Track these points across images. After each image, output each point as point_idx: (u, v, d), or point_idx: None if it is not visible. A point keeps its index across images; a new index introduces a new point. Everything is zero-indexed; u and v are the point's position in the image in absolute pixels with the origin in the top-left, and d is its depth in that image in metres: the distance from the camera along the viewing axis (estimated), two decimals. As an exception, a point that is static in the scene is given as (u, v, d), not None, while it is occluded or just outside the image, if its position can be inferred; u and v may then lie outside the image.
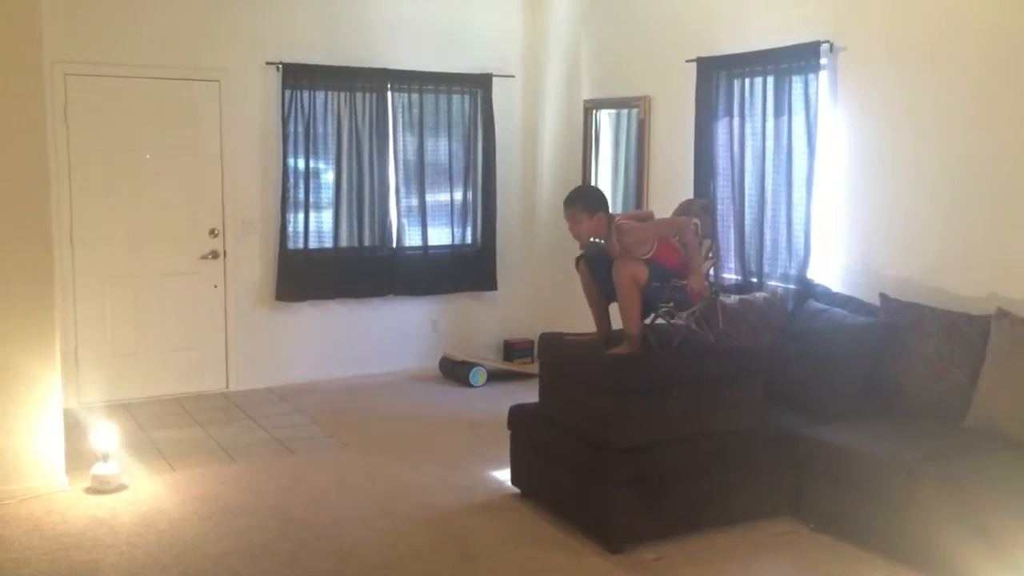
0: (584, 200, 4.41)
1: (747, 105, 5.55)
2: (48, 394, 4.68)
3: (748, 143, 5.57)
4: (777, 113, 5.35)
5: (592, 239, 4.41)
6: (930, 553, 3.78)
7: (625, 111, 6.86)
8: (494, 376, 7.04)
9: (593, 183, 7.10)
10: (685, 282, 4.27)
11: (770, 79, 5.37)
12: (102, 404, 6.20)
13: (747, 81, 5.55)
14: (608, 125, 7.09)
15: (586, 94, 7.10)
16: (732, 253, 5.74)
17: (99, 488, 4.71)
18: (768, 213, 5.48)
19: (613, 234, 4.32)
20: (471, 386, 6.90)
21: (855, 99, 5.06)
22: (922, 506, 3.78)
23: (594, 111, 7.08)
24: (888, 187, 4.91)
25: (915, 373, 4.40)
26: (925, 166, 4.73)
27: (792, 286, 5.29)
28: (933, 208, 4.70)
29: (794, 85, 5.24)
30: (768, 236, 5.49)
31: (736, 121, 5.62)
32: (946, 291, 4.59)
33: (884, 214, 4.94)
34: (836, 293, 5.04)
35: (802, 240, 5.26)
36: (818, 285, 5.14)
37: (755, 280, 5.55)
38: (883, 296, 4.72)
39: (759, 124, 5.47)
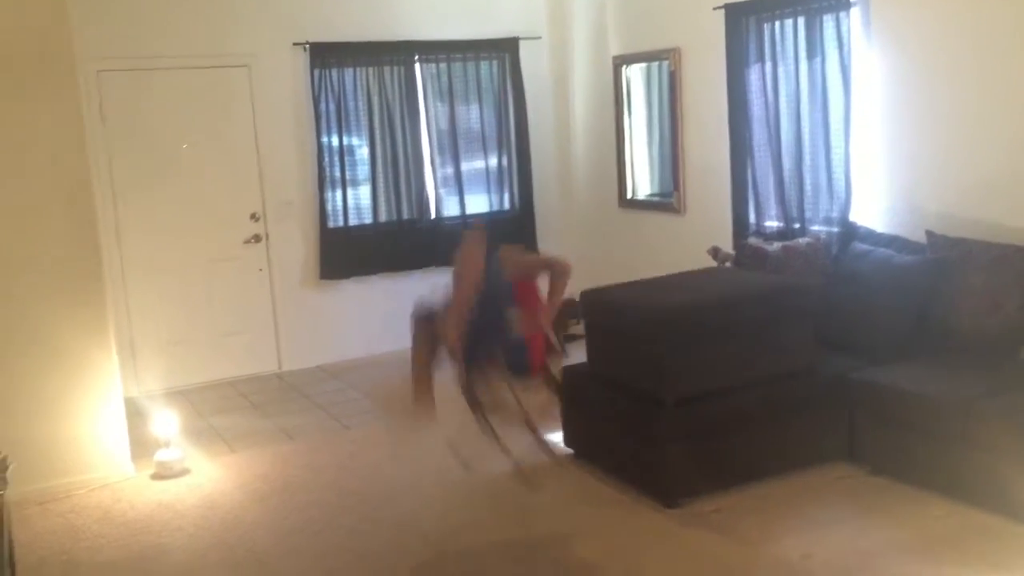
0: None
1: (779, 49, 5.46)
2: (108, 384, 4.80)
3: (782, 88, 5.48)
4: (810, 55, 5.25)
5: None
6: (989, 489, 3.74)
7: (655, 64, 6.78)
8: (541, 340, 7.05)
9: (627, 139, 7.06)
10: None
11: (801, 20, 5.26)
12: (161, 392, 6.35)
13: (777, 24, 5.44)
14: (639, 80, 7.01)
15: (614, 50, 7.02)
16: (772, 200, 5.67)
17: (163, 474, 4.84)
18: (807, 157, 5.40)
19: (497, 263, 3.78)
20: (519, 351, 6.92)
21: (889, 34, 4.94)
22: (980, 442, 3.74)
23: (624, 67, 7.00)
24: (928, 122, 4.81)
25: (966, 309, 4.33)
26: (964, 97, 4.62)
27: (835, 229, 5.23)
28: (975, 139, 4.59)
29: (826, 25, 5.13)
30: (808, 180, 5.41)
31: (768, 66, 5.53)
32: (993, 223, 4.49)
33: (925, 149, 4.84)
34: (880, 233, 4.96)
35: (843, 182, 5.18)
36: (861, 227, 5.06)
37: (797, 226, 5.49)
38: (929, 233, 4.64)
39: (792, 67, 5.38)
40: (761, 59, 5.58)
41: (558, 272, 3.86)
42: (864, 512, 3.93)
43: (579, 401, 4.69)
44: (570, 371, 4.79)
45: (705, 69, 6.17)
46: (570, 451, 4.77)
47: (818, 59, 5.20)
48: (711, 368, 4.15)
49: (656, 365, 4.11)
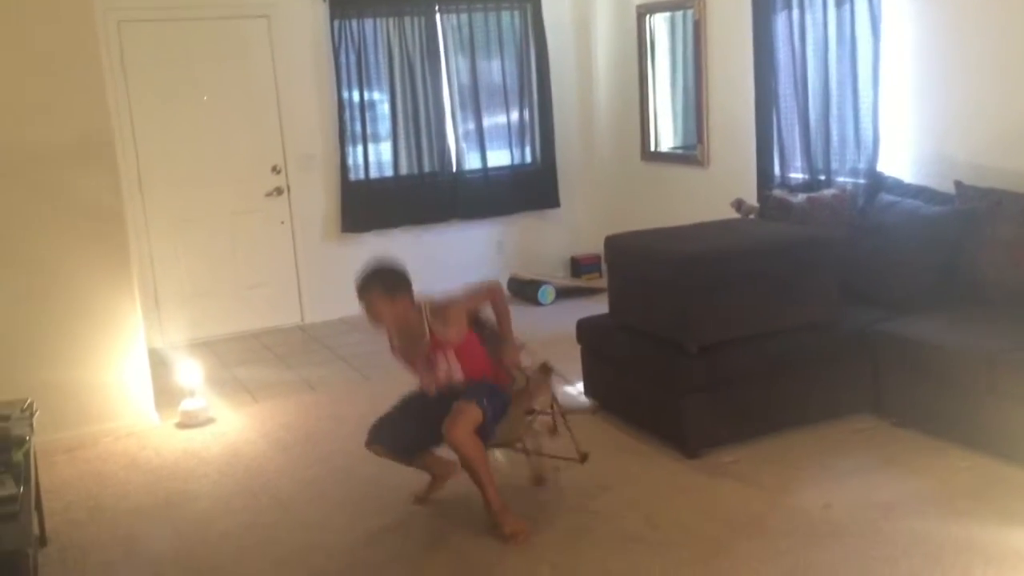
0: (382, 283, 3.54)
1: (806, -5, 5.34)
2: (133, 334, 4.84)
3: (809, 36, 5.37)
4: (839, 1, 5.13)
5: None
6: (1014, 442, 3.71)
7: (680, 13, 6.67)
8: (563, 293, 7.06)
9: (652, 95, 6.97)
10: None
11: (829, -34, 5.14)
12: (185, 343, 6.40)
13: (805, -30, 5.32)
14: (663, 30, 6.91)
15: (638, -1, 6.92)
16: (797, 151, 5.59)
17: (188, 423, 4.89)
18: (833, 107, 5.31)
19: (427, 316, 3.53)
20: (540, 305, 6.93)
21: (921, -21, 4.83)
22: (1005, 395, 3.70)
23: (648, 16, 6.89)
24: (959, 70, 4.70)
25: (994, 261, 4.27)
26: (995, 45, 4.51)
27: (862, 180, 5.15)
28: (1007, 88, 4.49)
29: (855, -31, 5.02)
30: (834, 131, 5.33)
31: (796, 13, 5.41)
32: (1025, 174, 4.41)
33: (956, 99, 4.74)
34: (908, 184, 4.88)
35: (870, 132, 5.09)
36: (889, 177, 4.99)
37: (823, 178, 5.41)
38: (958, 183, 4.56)
39: (820, 15, 5.26)
40: (788, 7, 5.46)
41: (495, 305, 3.67)
42: (887, 464, 3.91)
43: (598, 351, 4.68)
44: (589, 323, 4.79)
45: (730, 18, 6.06)
46: (591, 401, 4.78)
47: (847, 6, 5.09)
48: (735, 317, 4.12)
49: (680, 312, 4.08)
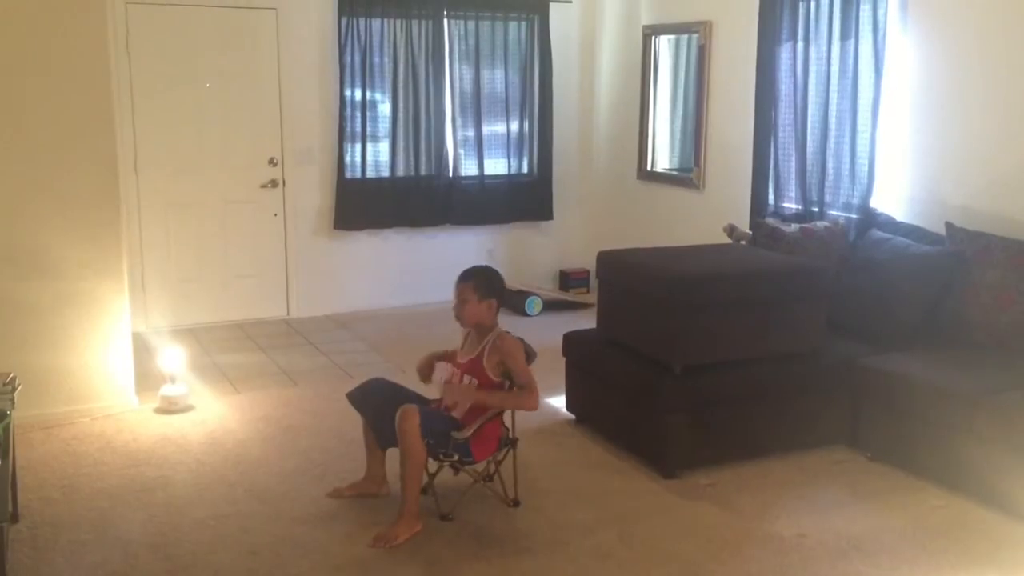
0: (479, 279, 3.78)
1: (812, 28, 5.40)
2: (118, 317, 4.82)
3: (812, 68, 5.43)
4: (844, 36, 5.20)
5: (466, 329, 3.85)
6: (988, 484, 3.75)
7: (685, 37, 6.72)
8: (550, 306, 7.07)
9: (652, 116, 7.01)
10: (466, 434, 3.63)
11: (837, 1, 5.20)
12: (168, 329, 6.38)
13: (813, 3, 5.38)
14: (667, 52, 6.96)
15: (645, 19, 6.97)
16: (792, 182, 5.65)
17: (168, 408, 4.87)
18: (831, 141, 5.36)
19: (492, 338, 3.74)
20: (527, 315, 6.94)
21: (925, 22, 4.89)
22: (983, 437, 3.74)
23: (653, 37, 6.94)
24: (957, 114, 4.76)
25: (980, 303, 4.32)
26: (996, 92, 4.57)
27: (854, 215, 5.20)
28: (1003, 135, 4.55)
29: (862, 7, 5.07)
30: (831, 164, 5.38)
31: (800, 45, 5.47)
32: (1015, 220, 4.47)
33: (952, 141, 4.80)
34: (900, 222, 4.94)
35: (866, 168, 5.15)
36: (881, 214, 5.04)
37: (816, 210, 5.46)
38: (949, 225, 4.61)
39: (824, 48, 5.33)
40: (793, 38, 5.52)
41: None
42: (863, 497, 3.94)
43: (583, 367, 4.69)
44: (575, 337, 4.80)
45: (736, 45, 6.11)
46: (572, 416, 4.79)
47: (851, 41, 5.15)
48: (721, 340, 4.15)
49: (667, 331, 4.11)
